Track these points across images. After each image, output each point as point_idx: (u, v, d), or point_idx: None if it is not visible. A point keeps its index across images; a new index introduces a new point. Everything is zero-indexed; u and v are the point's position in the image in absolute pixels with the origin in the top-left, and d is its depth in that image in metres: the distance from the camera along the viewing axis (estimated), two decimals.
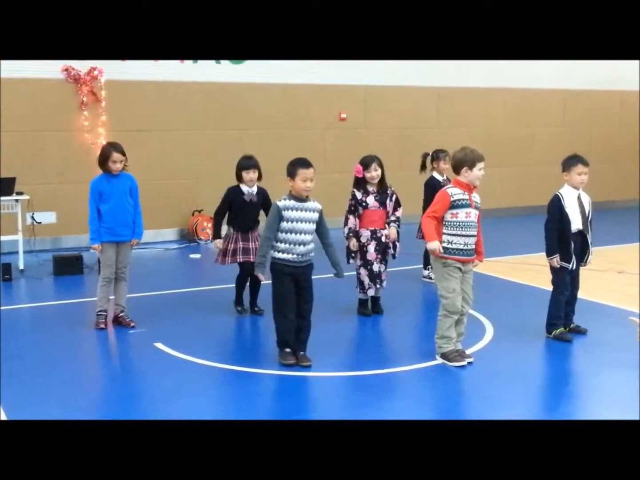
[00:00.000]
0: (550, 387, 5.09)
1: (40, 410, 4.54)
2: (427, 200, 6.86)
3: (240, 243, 6.73)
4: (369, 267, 6.67)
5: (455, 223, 5.31)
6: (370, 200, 6.64)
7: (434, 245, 5.26)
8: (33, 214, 9.31)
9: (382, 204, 6.68)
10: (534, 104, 13.82)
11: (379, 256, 6.67)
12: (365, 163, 6.65)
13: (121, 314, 6.54)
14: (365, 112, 12.36)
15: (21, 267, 8.77)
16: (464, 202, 5.31)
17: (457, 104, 13.11)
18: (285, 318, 5.33)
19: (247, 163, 6.78)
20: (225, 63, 11.22)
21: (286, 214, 5.28)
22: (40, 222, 9.51)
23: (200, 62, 11.01)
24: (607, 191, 14.82)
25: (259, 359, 5.57)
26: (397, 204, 6.76)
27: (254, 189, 6.83)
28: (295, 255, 5.30)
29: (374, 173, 6.60)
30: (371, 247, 6.65)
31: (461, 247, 5.32)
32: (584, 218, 5.96)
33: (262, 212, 6.79)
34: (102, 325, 6.41)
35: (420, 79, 12.64)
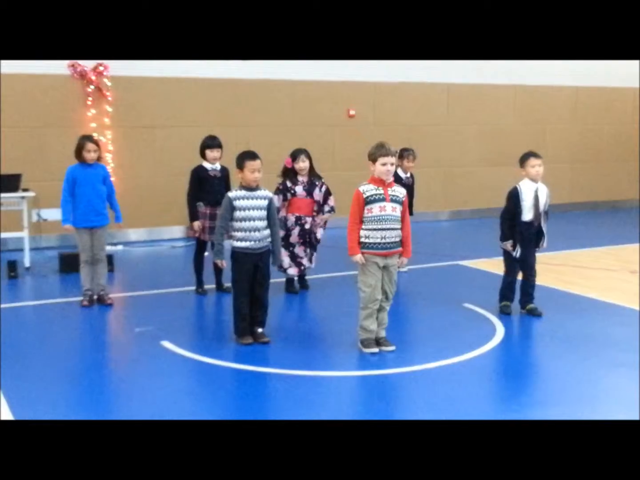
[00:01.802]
0: (556, 386, 4.99)
1: (45, 409, 4.47)
2: None
3: (208, 222, 7.15)
4: (290, 248, 7.27)
5: (370, 218, 5.43)
6: (299, 189, 7.24)
7: (355, 258, 5.49)
8: (39, 210, 9.27)
9: (310, 193, 7.26)
10: (544, 101, 13.70)
11: (301, 240, 7.27)
12: (294, 155, 7.25)
13: (101, 292, 6.95)
14: (374, 109, 12.27)
15: (27, 264, 8.71)
16: (377, 197, 5.42)
17: (467, 100, 13.01)
18: (241, 304, 5.73)
19: (212, 142, 7.32)
20: None
21: (237, 203, 5.66)
22: (46, 219, 9.47)
23: None
24: (619, 189, 14.72)
25: (266, 358, 5.51)
26: (328, 194, 7.34)
27: (217, 166, 7.33)
28: (252, 242, 5.68)
29: (302, 164, 7.19)
30: (295, 232, 7.27)
31: (378, 240, 5.43)
32: (537, 211, 6.41)
33: None
34: (85, 303, 6.83)
35: (429, 76, 12.53)
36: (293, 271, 7.32)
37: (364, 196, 5.42)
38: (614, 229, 11.97)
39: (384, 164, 5.40)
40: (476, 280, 8.12)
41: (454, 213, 13.14)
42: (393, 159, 5.46)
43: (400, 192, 5.56)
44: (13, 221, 8.87)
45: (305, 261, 7.33)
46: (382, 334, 5.67)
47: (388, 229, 5.44)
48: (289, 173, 7.27)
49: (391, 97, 12.32)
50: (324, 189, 7.31)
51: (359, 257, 5.47)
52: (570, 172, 14.19)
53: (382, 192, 5.43)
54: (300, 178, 7.24)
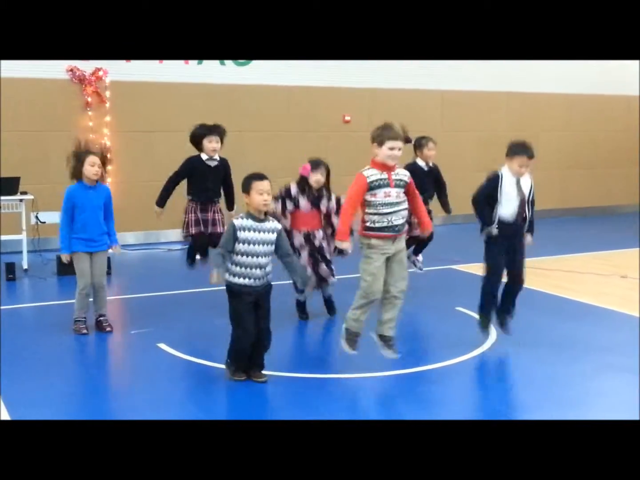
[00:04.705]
0: (549, 391, 5.06)
1: (42, 411, 4.51)
2: None
3: (199, 214, 6.72)
4: None
5: (375, 203, 5.05)
6: (303, 201, 6.41)
7: (344, 245, 5.14)
8: (37, 213, 9.32)
9: (316, 205, 6.44)
10: (538, 108, 13.80)
11: (312, 259, 6.43)
12: (315, 165, 6.42)
13: (100, 318, 6.31)
14: (369, 115, 12.34)
15: (25, 266, 8.77)
16: (381, 183, 5.04)
17: (461, 107, 13.10)
18: (245, 332, 4.93)
19: (210, 130, 6.48)
20: (229, 64, 11.23)
21: (241, 234, 4.86)
22: (44, 222, 9.51)
23: (204, 63, 11.02)
24: (611, 195, 14.82)
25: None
26: (338, 206, 6.39)
27: (216, 158, 6.68)
28: (252, 280, 4.90)
29: (320, 177, 6.38)
30: (304, 253, 6.42)
31: (385, 224, 5.05)
32: (521, 202, 5.61)
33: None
34: (84, 331, 6.15)
35: (424, 82, 12.63)
36: (300, 297, 6.61)
37: (368, 181, 5.02)
38: (605, 235, 12.06)
39: (392, 148, 4.99)
40: (468, 285, 8.15)
41: (448, 218, 13.19)
42: (401, 143, 5.03)
43: (404, 174, 5.18)
44: (11, 224, 8.92)
45: (328, 277, 6.50)
46: (389, 332, 5.25)
47: (394, 212, 5.07)
48: (301, 180, 6.45)
49: (386, 103, 12.39)
50: (334, 198, 6.51)
51: (347, 245, 5.14)
52: (562, 178, 14.29)
53: (386, 177, 5.05)
54: (308, 188, 6.50)
